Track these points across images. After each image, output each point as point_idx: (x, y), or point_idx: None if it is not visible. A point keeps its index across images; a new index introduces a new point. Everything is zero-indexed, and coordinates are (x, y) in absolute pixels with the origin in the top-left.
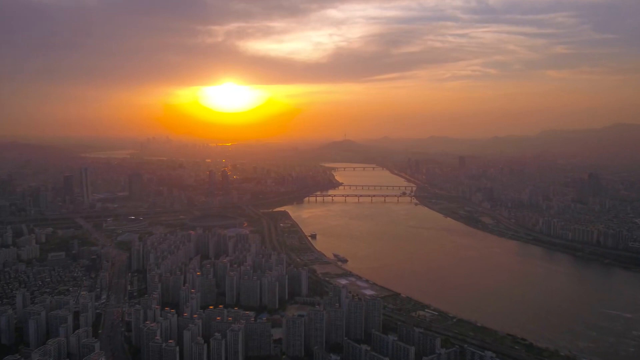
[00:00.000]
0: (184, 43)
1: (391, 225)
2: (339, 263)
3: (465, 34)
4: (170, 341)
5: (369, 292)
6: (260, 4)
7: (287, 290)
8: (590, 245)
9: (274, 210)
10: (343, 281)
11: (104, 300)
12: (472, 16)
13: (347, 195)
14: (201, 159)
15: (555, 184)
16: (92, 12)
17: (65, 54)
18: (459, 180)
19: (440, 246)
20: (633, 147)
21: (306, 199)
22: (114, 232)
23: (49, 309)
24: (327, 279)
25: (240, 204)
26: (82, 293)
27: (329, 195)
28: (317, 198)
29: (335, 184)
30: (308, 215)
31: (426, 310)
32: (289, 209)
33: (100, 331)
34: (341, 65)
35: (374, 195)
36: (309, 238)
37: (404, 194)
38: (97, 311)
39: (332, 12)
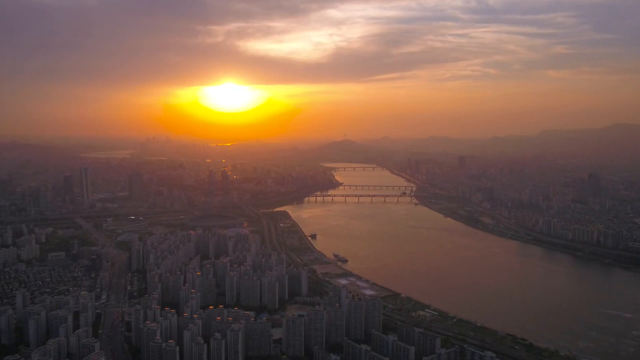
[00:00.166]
0: (184, 43)
1: (391, 225)
2: (339, 263)
3: (465, 34)
4: (170, 341)
5: (369, 292)
6: (260, 4)
7: (287, 290)
8: (590, 245)
9: (274, 210)
10: (343, 281)
11: (104, 300)
12: (472, 16)
13: (347, 195)
14: (201, 159)
15: (555, 184)
16: (92, 12)
17: (65, 54)
18: (459, 180)
19: (440, 246)
20: (633, 147)
21: (306, 199)
22: (114, 232)
23: (49, 309)
24: (327, 279)
25: (240, 204)
26: (82, 293)
27: (329, 195)
28: (317, 198)
29: (335, 184)
30: (308, 215)
31: (426, 310)
32: (289, 209)
33: (100, 331)
34: (341, 65)
35: (374, 195)
36: (309, 238)
37: (404, 194)
38: (97, 311)
39: (332, 12)
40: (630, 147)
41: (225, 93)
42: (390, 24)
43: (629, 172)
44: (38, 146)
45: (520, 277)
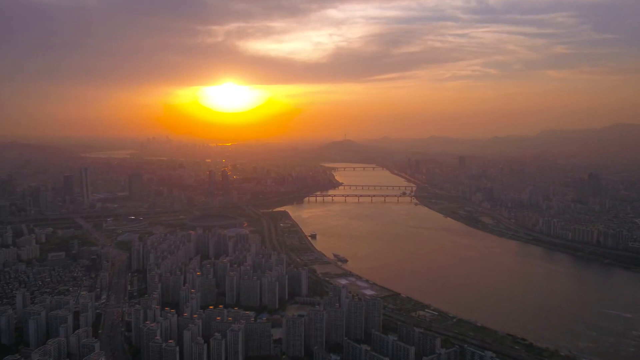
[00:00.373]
0: (184, 43)
1: (391, 225)
2: (339, 263)
3: (465, 34)
4: (170, 341)
5: (369, 292)
6: (260, 4)
7: (287, 290)
8: (590, 245)
9: (274, 210)
10: (343, 281)
11: (104, 300)
12: (472, 16)
13: (347, 195)
14: (201, 159)
15: (555, 184)
16: (92, 12)
17: (65, 54)
18: (459, 180)
19: (440, 246)
20: (633, 147)
21: (306, 199)
22: (114, 232)
23: (49, 309)
24: (327, 279)
25: (240, 204)
26: (82, 293)
27: (329, 195)
28: (317, 198)
29: (335, 184)
30: (308, 215)
31: (426, 310)
32: (289, 209)
33: (100, 331)
34: (341, 65)
35: (374, 195)
36: (309, 238)
37: (404, 194)
38: (97, 311)
39: (332, 12)
40: (630, 147)
41: (225, 93)
42: (390, 24)
43: (629, 172)
44: (38, 146)
45: (520, 277)
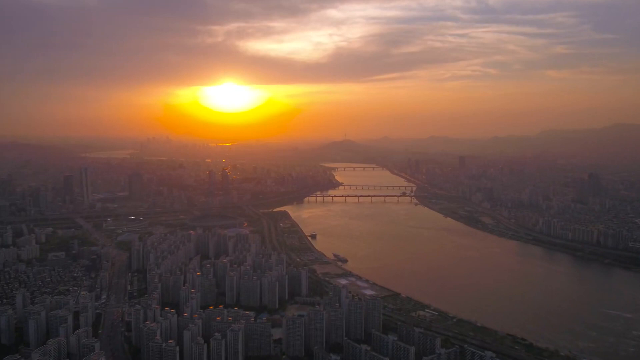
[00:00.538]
0: (184, 43)
1: (391, 225)
2: (339, 263)
3: (465, 34)
4: (170, 341)
5: (369, 292)
6: (260, 4)
7: (287, 290)
8: (590, 245)
9: (274, 210)
10: (343, 281)
11: (104, 300)
12: (472, 16)
13: (347, 195)
14: (201, 159)
15: (555, 184)
16: (92, 12)
17: (65, 54)
18: (459, 180)
19: (440, 246)
20: (633, 147)
21: (306, 199)
22: (114, 232)
23: (49, 309)
24: (327, 279)
25: (240, 204)
26: (82, 293)
27: (329, 195)
28: (317, 198)
29: (335, 184)
30: (308, 215)
31: (426, 310)
32: (289, 209)
33: (100, 331)
34: (341, 65)
35: (374, 195)
36: (309, 238)
37: (404, 194)
38: (97, 311)
39: (332, 12)
40: (630, 147)
41: (225, 93)
42: (390, 24)
43: (629, 172)
44: (38, 146)
45: (520, 277)
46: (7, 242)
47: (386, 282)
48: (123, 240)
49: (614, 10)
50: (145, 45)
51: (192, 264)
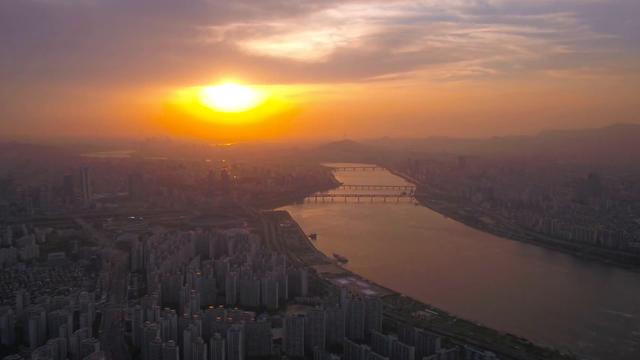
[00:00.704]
0: (184, 43)
1: (391, 225)
2: (339, 263)
3: (465, 34)
4: (170, 341)
5: (369, 292)
6: (260, 4)
7: (287, 290)
8: (590, 245)
9: (274, 210)
10: (343, 281)
11: (104, 300)
12: (472, 16)
13: (347, 195)
14: (201, 159)
15: (555, 184)
16: (92, 12)
17: (65, 54)
18: (459, 180)
19: (440, 246)
20: (633, 147)
21: (306, 199)
22: (114, 232)
23: (49, 309)
24: (327, 279)
25: (240, 204)
26: (82, 293)
27: (329, 195)
28: (317, 198)
29: (335, 184)
30: (308, 215)
31: (426, 310)
32: (289, 209)
33: (100, 331)
34: (341, 65)
35: (374, 195)
36: (309, 238)
37: (404, 194)
38: (97, 311)
39: (332, 12)
40: (630, 147)
41: (225, 93)
42: (390, 24)
43: (629, 172)
44: (38, 146)
45: (520, 277)
46: (7, 242)
47: (386, 282)
48: (123, 240)
49: (614, 10)
50: (145, 45)
51: (192, 264)
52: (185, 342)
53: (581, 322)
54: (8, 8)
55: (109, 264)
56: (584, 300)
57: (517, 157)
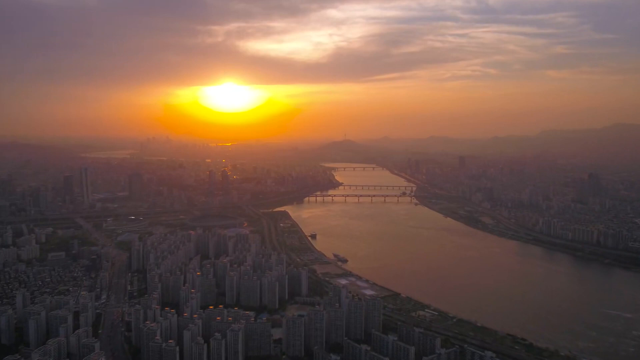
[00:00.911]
0: (184, 43)
1: (391, 225)
2: (339, 263)
3: (465, 34)
4: (170, 341)
5: (369, 292)
6: (260, 4)
7: (287, 290)
8: (590, 245)
9: (274, 210)
10: (343, 281)
11: (104, 300)
12: (472, 16)
13: (347, 195)
14: (201, 159)
15: (555, 184)
16: (92, 12)
17: (65, 54)
18: (459, 180)
19: (440, 246)
20: (633, 147)
21: (306, 199)
22: (114, 232)
23: (49, 309)
24: (327, 279)
25: (240, 204)
26: (82, 293)
27: (329, 195)
28: (317, 198)
29: (335, 184)
30: (308, 215)
31: (426, 310)
32: (289, 209)
33: (100, 331)
34: (341, 65)
35: (374, 195)
36: (309, 238)
37: (404, 194)
38: (97, 311)
39: (332, 12)
40: (630, 147)
41: (225, 93)
42: (390, 24)
43: (629, 172)
44: (38, 146)
45: (520, 277)
46: (7, 242)
47: (386, 282)
48: (123, 240)
49: (614, 10)
50: (145, 45)
51: (192, 264)
52: (185, 342)
53: (581, 322)
54: (8, 8)
55: (109, 264)
56: (584, 300)
57: (517, 157)
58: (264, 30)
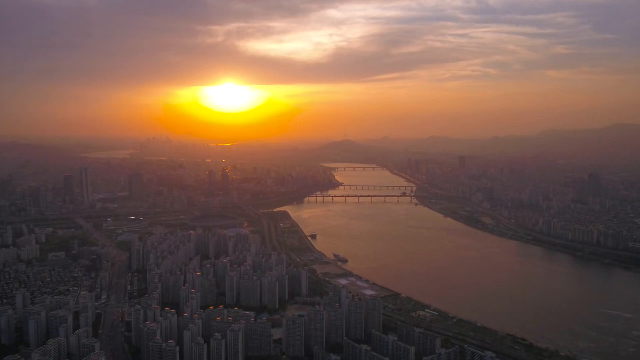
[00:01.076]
0: (184, 43)
1: (391, 225)
2: (339, 263)
3: (465, 34)
4: (170, 341)
5: (369, 292)
6: (260, 4)
7: (287, 290)
8: (590, 245)
9: (274, 210)
10: (343, 281)
11: (104, 300)
12: (472, 16)
13: (347, 195)
14: (201, 159)
15: (555, 184)
16: (92, 12)
17: (65, 54)
18: (459, 180)
19: (440, 246)
20: (633, 147)
21: (306, 199)
22: (114, 232)
23: (49, 309)
24: (327, 279)
25: (240, 204)
26: (82, 293)
27: (329, 195)
28: (317, 198)
29: (335, 184)
30: (308, 215)
31: (426, 310)
32: (289, 209)
33: (100, 331)
34: (341, 65)
35: (374, 195)
36: (309, 238)
37: (404, 194)
38: (97, 311)
39: (332, 12)
40: (630, 147)
41: (225, 93)
42: (390, 24)
43: (629, 172)
44: (38, 146)
45: (520, 277)
46: (7, 242)
47: (386, 282)
48: (123, 240)
49: (614, 10)
50: (145, 45)
51: (192, 264)
52: (185, 342)
53: (581, 322)
54: (8, 8)
55: (109, 264)
56: (584, 300)
57: (517, 157)
58: (264, 30)
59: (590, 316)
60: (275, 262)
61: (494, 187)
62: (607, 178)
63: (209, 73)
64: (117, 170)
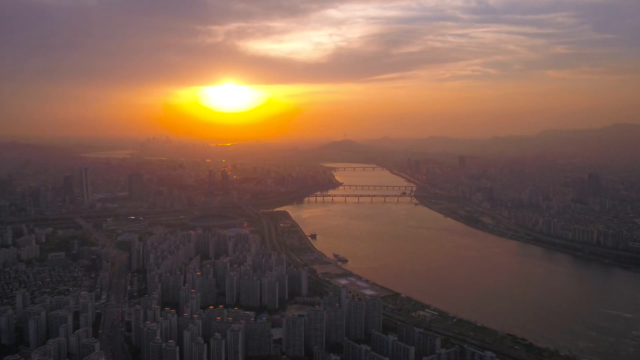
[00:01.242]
0: (184, 43)
1: (391, 225)
2: (339, 263)
3: (465, 34)
4: (170, 341)
5: (369, 292)
6: (260, 4)
7: (287, 290)
8: (590, 245)
9: (274, 210)
10: (343, 281)
11: (104, 300)
12: (472, 16)
13: (347, 195)
14: (201, 159)
15: (555, 184)
16: (92, 12)
17: (65, 54)
18: (459, 180)
19: (440, 246)
20: (633, 147)
21: (306, 199)
22: (114, 232)
23: (49, 309)
24: (327, 279)
25: (240, 204)
26: (82, 293)
27: (329, 195)
28: (317, 198)
29: (335, 184)
30: (308, 215)
31: (426, 310)
32: (289, 209)
33: (100, 331)
34: (341, 65)
35: (374, 195)
36: (309, 238)
37: (404, 194)
38: (97, 311)
39: (332, 12)
40: (630, 147)
41: (225, 93)
42: (390, 24)
43: (629, 172)
44: (38, 146)
45: (520, 277)
46: (7, 242)
47: (386, 282)
48: (123, 240)
49: (614, 10)
50: (145, 45)
51: (192, 264)
52: (185, 342)
53: (581, 322)
54: (8, 8)
55: (109, 264)
56: (584, 300)
57: (517, 157)
58: (264, 30)
59: (590, 316)
60: (275, 262)
61: (494, 187)
62: (607, 178)
63: (209, 73)
64: (117, 170)
